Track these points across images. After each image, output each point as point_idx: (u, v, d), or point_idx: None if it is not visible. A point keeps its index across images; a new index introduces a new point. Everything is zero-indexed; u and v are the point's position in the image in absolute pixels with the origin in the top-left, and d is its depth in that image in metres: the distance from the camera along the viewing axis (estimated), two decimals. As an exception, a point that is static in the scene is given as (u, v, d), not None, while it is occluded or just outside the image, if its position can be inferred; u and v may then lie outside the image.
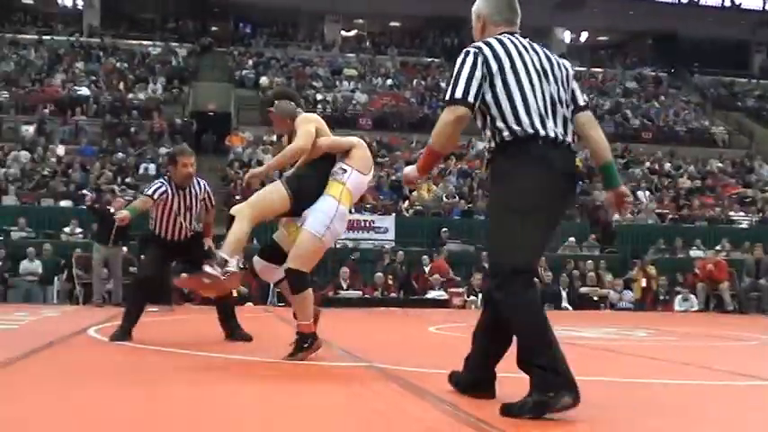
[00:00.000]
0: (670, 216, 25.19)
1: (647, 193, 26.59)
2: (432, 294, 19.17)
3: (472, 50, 4.31)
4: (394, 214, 22.57)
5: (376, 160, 26.52)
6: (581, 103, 4.59)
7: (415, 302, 18.80)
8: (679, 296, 19.99)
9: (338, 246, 20.77)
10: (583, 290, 19.92)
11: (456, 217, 23.09)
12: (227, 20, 40.61)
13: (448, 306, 18.45)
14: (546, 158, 4.25)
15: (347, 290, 18.89)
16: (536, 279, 4.43)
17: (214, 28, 40.69)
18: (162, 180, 8.51)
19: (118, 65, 33.16)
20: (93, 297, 16.81)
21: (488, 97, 4.26)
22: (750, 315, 18.46)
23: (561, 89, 4.44)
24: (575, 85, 4.58)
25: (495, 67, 4.27)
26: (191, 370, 5.95)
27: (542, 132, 4.24)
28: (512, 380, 4.40)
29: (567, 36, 43.53)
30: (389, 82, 34.88)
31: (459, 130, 4.29)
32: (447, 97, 4.27)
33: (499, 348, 4.54)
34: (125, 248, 17.13)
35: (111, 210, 16.78)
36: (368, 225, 21.74)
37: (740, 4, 41.70)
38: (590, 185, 26.86)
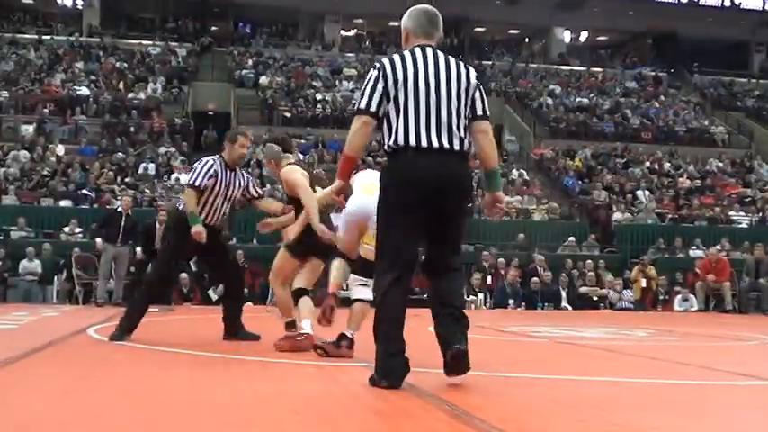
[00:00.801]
0: (670, 216, 25.19)
1: (647, 192, 26.60)
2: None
3: (377, 67, 4.96)
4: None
5: (375, 161, 26.58)
6: (478, 112, 5.03)
7: (414, 302, 18.73)
8: (679, 296, 19.99)
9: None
10: (582, 290, 19.92)
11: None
12: (226, 20, 40.65)
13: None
14: (411, 165, 4.84)
15: (347, 289, 18.81)
16: (404, 277, 4.96)
17: (214, 28, 40.70)
18: (213, 158, 8.34)
19: (117, 64, 33.17)
20: (97, 297, 16.81)
21: (388, 109, 4.89)
22: (750, 315, 18.47)
23: (455, 100, 4.93)
24: (477, 95, 5.04)
25: (391, 82, 4.87)
26: (191, 370, 5.94)
27: (413, 143, 4.82)
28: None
29: (566, 36, 43.57)
30: (389, 82, 34.85)
31: (366, 137, 4.91)
32: (355, 108, 5.01)
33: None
34: (138, 249, 17.12)
35: (119, 208, 16.88)
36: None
37: (740, 3, 41.73)
38: (590, 185, 26.90)
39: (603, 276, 20.41)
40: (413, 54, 4.99)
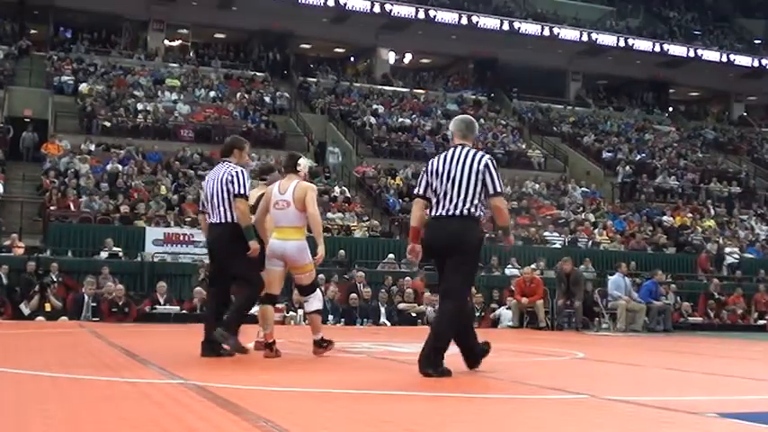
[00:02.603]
0: (487, 235, 25.77)
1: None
2: (254, 310, 18.96)
3: (426, 165, 7.45)
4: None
5: (197, 173, 26.22)
6: (490, 191, 7.16)
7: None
8: (503, 306, 20.48)
9: (156, 260, 20.40)
10: (401, 306, 20.16)
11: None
12: (46, 23, 39.12)
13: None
14: (431, 226, 7.30)
15: (164, 305, 18.45)
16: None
17: (33, 31, 39.18)
18: (239, 169, 8.39)
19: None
20: None
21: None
22: (564, 332, 19.07)
23: (464, 179, 7.12)
24: (486, 176, 7.13)
25: (431, 175, 7.28)
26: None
27: (434, 213, 7.24)
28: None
29: (391, 57, 44.10)
30: (212, 94, 34.45)
31: (420, 211, 7.42)
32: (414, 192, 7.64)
33: None
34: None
35: None
36: (187, 239, 21.37)
37: (558, 34, 43.32)
38: (410, 203, 27.25)
39: (421, 293, 20.69)
40: (446, 153, 7.34)
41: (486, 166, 7.14)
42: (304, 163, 8.91)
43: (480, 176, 7.10)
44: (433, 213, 7.20)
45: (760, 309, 23.31)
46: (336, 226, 24.45)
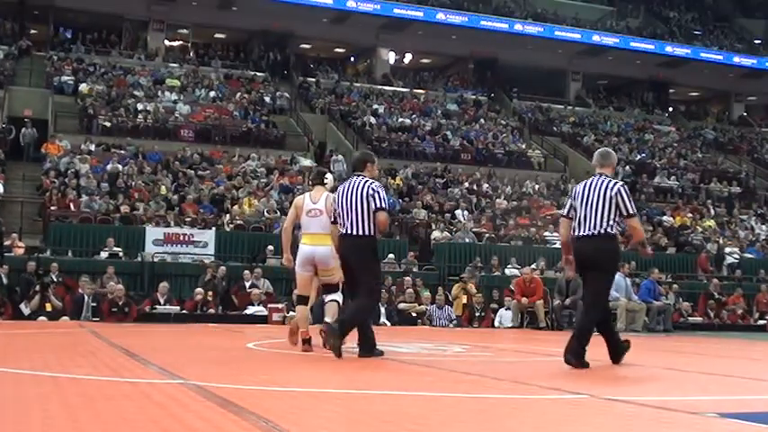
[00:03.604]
0: (487, 235, 25.81)
1: (465, 212, 27.18)
2: (251, 310, 19.01)
3: (572, 189, 8.86)
4: (214, 228, 22.31)
5: (197, 173, 26.22)
6: (623, 213, 8.39)
7: (234, 318, 18.60)
8: (502, 307, 20.49)
9: (156, 260, 20.39)
10: (401, 306, 20.15)
11: (276, 232, 22.97)
12: (46, 23, 39.10)
13: (267, 322, 18.30)
14: (576, 245, 8.58)
15: (164, 305, 18.46)
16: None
17: (33, 31, 39.17)
18: (377, 183, 9.00)
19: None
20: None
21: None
22: (564, 332, 19.05)
23: (599, 203, 8.35)
24: (619, 200, 8.35)
25: (573, 199, 8.63)
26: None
27: (577, 233, 8.52)
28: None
29: (391, 57, 44.13)
30: (213, 94, 34.45)
31: (566, 229, 8.77)
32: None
33: None
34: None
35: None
36: (187, 239, 21.38)
37: (558, 34, 43.33)
38: (410, 203, 27.30)
39: (421, 293, 20.69)
40: (587, 181, 8.59)
41: (618, 192, 8.37)
42: (330, 177, 10.11)
43: (614, 201, 8.32)
44: (576, 233, 8.52)
45: (761, 309, 23.31)
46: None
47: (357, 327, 8.80)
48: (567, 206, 8.77)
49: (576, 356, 8.30)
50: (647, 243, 9.40)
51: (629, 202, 8.40)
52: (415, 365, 8.45)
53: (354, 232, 8.80)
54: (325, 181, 9.82)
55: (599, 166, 8.69)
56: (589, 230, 8.36)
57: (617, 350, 8.94)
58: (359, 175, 9.07)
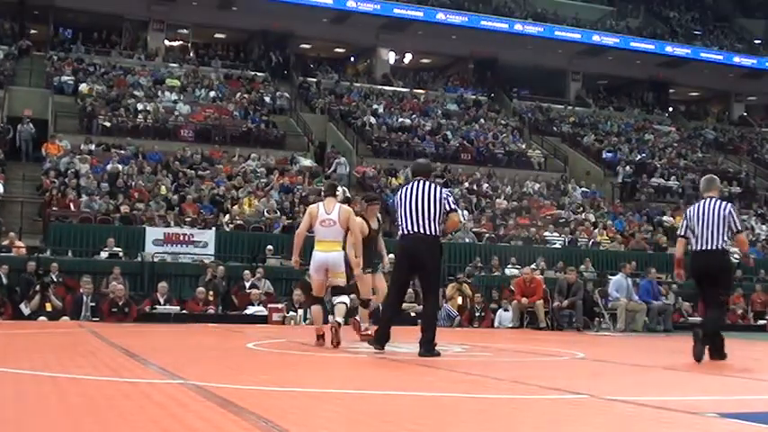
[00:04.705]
0: (487, 235, 25.80)
1: (465, 212, 27.17)
2: (251, 310, 19.00)
3: (686, 211, 10.19)
4: (214, 228, 22.31)
5: (197, 173, 26.22)
6: (734, 230, 9.73)
7: (234, 318, 18.59)
8: (500, 308, 20.47)
9: (156, 260, 20.39)
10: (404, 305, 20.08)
11: (276, 232, 22.99)
12: (46, 23, 39.09)
13: (267, 322, 18.29)
14: (693, 258, 9.84)
15: (164, 305, 18.44)
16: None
17: (33, 31, 39.15)
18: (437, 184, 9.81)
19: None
20: None
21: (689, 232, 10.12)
22: (564, 332, 19.08)
23: (715, 222, 9.59)
24: (731, 219, 9.62)
25: (689, 220, 9.97)
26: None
27: (695, 248, 9.73)
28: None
29: (391, 57, 44.11)
30: (213, 94, 34.44)
31: (682, 247, 10.19)
32: (677, 234, 10.51)
33: None
34: None
35: None
36: (187, 239, 21.38)
37: (558, 34, 43.34)
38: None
39: (420, 292, 20.63)
40: (700, 203, 9.83)
41: (729, 212, 9.68)
42: (341, 190, 11.75)
43: (726, 220, 9.61)
44: (693, 248, 9.82)
45: (756, 309, 23.32)
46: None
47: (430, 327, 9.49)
48: (684, 227, 10.06)
49: (719, 355, 9.51)
50: (749, 254, 11.27)
51: (738, 220, 9.86)
52: (414, 365, 8.44)
53: (427, 233, 9.30)
54: (337, 193, 10.73)
55: (706, 191, 10.07)
56: (707, 246, 9.62)
57: (720, 347, 9.71)
58: (422, 180, 9.62)
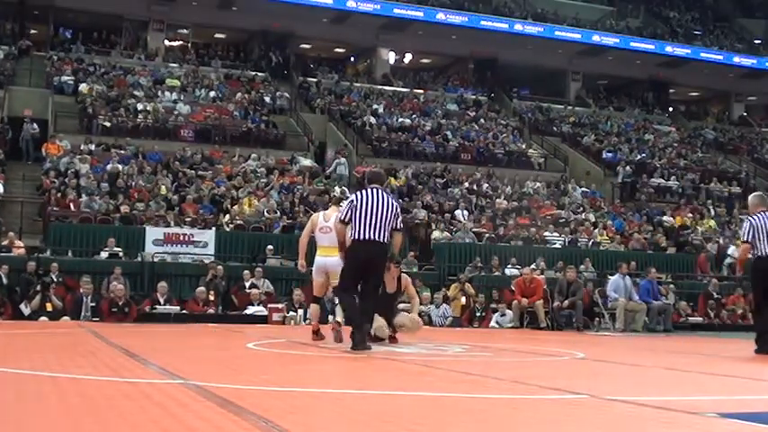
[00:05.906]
0: (487, 235, 25.80)
1: (465, 212, 27.18)
2: (251, 310, 19.00)
3: (747, 222, 11.56)
4: (214, 228, 22.30)
5: (197, 173, 26.21)
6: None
7: (234, 318, 18.59)
8: (497, 312, 20.45)
9: (156, 260, 20.40)
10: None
11: (276, 232, 22.99)
12: (46, 23, 39.08)
13: (267, 322, 18.29)
14: (758, 263, 11.35)
15: (164, 305, 18.44)
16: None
17: (33, 31, 39.15)
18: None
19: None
20: None
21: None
22: (564, 331, 19.09)
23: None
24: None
25: (756, 227, 11.47)
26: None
27: (757, 254, 11.26)
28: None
29: (391, 57, 44.11)
30: (213, 94, 34.45)
31: (744, 254, 12.08)
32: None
33: None
34: None
35: None
36: (187, 239, 21.38)
37: (558, 34, 43.35)
38: (410, 203, 27.28)
39: (421, 293, 20.65)
40: (759, 215, 11.29)
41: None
42: (339, 190, 11.77)
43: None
44: (758, 254, 11.35)
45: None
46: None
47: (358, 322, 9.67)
48: (750, 234, 11.37)
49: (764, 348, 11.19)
50: None
51: None
52: (414, 365, 8.44)
53: (381, 239, 9.83)
54: (341, 205, 11.15)
55: (761, 206, 11.55)
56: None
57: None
58: (377, 188, 10.15)
